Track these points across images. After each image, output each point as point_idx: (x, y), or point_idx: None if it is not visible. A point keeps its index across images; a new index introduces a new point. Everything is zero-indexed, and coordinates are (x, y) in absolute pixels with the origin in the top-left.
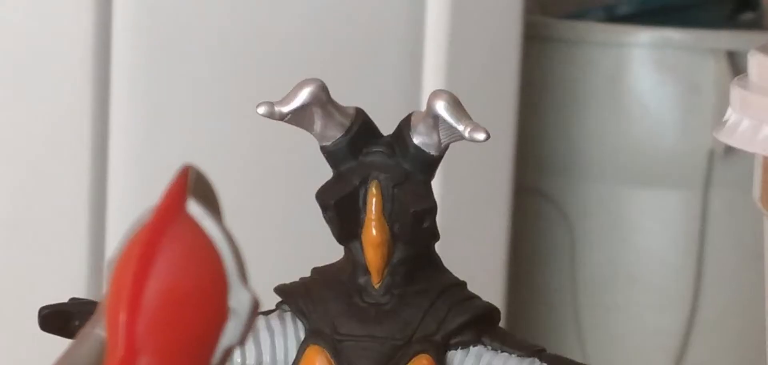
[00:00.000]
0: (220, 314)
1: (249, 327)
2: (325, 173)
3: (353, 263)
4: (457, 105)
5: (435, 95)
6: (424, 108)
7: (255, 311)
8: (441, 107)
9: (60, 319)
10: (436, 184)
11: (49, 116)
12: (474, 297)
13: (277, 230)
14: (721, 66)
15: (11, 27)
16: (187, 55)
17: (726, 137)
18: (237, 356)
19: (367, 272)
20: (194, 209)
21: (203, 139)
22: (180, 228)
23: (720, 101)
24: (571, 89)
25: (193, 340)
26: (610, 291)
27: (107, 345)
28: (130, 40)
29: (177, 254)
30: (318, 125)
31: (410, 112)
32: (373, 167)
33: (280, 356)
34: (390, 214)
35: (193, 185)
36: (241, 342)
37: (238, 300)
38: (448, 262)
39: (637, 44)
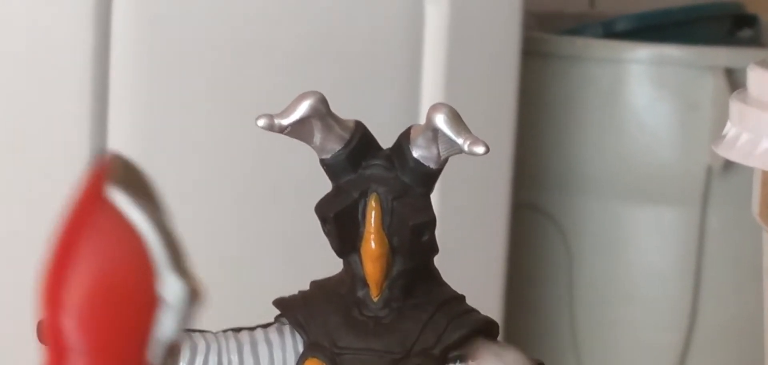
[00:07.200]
0: (149, 304)
1: (186, 317)
2: (325, 185)
3: (352, 276)
4: (456, 118)
5: (434, 108)
6: (423, 121)
7: (194, 300)
8: (440, 120)
9: None
10: (434, 198)
11: (48, 124)
12: (472, 311)
13: (276, 244)
14: (720, 83)
15: (10, 33)
16: (187, 68)
17: (725, 151)
18: None
19: (365, 285)
20: (117, 198)
21: (201, 152)
22: (101, 219)
23: (718, 117)
24: (568, 105)
25: (123, 333)
26: (608, 307)
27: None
28: (129, 53)
29: (98, 245)
30: (317, 137)
31: (409, 125)
32: (373, 179)
33: None
34: (389, 227)
35: (118, 173)
36: (179, 333)
37: (170, 290)
38: (446, 276)
39: (635, 60)
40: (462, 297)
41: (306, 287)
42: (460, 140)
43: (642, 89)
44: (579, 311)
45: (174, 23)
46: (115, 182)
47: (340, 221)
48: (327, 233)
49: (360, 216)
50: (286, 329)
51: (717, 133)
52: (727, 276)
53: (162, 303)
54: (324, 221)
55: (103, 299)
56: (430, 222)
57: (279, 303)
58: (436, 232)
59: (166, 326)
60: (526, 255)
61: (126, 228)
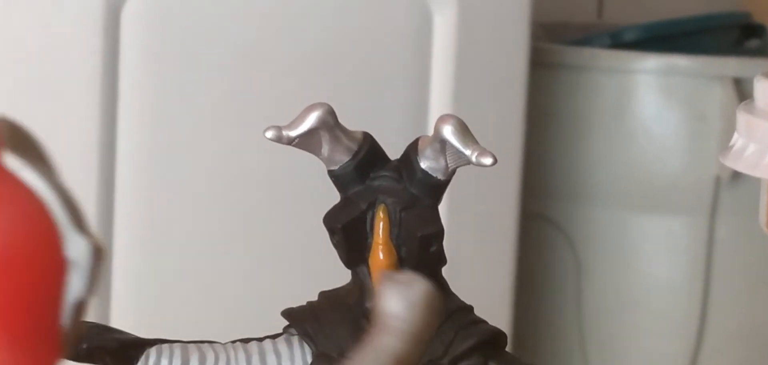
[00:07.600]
0: (57, 266)
1: (95, 275)
2: (333, 196)
3: (360, 287)
4: (464, 129)
5: (442, 119)
6: (431, 132)
7: (99, 258)
8: (448, 132)
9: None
10: (442, 209)
11: (58, 126)
12: (481, 322)
13: (285, 255)
14: (728, 93)
15: (21, 37)
16: (195, 74)
17: (732, 162)
18: None
19: (374, 296)
20: (11, 163)
21: (209, 157)
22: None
23: (726, 127)
24: (577, 115)
25: (32, 299)
26: (616, 316)
27: None
28: (138, 57)
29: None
30: (326, 149)
31: (417, 136)
32: (381, 191)
33: None
34: (397, 238)
35: (8, 138)
36: (90, 292)
37: (77, 249)
38: (454, 287)
39: (643, 71)
40: (470, 308)
41: (314, 297)
42: (467, 151)
43: (650, 99)
44: (587, 320)
45: (183, 28)
46: (5, 147)
47: (348, 232)
48: (335, 244)
49: (368, 227)
50: (295, 339)
51: (725, 143)
52: (735, 286)
53: (69, 264)
54: (332, 232)
55: (7, 266)
56: (438, 233)
57: (287, 313)
58: (445, 243)
59: (76, 286)
60: (534, 265)
61: (25, 193)
